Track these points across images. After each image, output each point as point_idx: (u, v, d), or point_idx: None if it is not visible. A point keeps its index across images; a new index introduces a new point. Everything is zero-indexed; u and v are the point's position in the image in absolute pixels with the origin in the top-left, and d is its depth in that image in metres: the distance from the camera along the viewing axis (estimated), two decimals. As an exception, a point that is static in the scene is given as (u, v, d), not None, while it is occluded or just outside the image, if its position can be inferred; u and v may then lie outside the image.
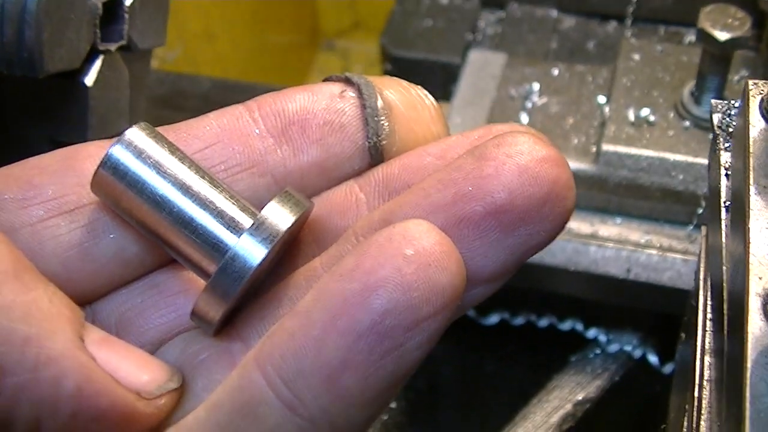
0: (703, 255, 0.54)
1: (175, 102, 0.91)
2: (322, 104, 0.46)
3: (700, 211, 0.79)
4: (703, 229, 0.56)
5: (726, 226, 0.47)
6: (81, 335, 0.40)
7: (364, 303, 0.36)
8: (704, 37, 0.75)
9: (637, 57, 0.86)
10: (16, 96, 0.59)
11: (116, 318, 0.45)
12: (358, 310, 0.36)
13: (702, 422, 0.45)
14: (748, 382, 0.38)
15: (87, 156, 0.45)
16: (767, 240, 0.41)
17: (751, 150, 0.44)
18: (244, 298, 0.44)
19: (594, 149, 0.81)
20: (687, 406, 0.51)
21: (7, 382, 0.38)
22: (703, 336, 0.48)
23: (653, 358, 0.85)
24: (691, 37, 0.94)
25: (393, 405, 0.86)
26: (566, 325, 0.88)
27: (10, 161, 0.45)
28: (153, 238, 0.44)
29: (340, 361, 0.36)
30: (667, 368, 0.85)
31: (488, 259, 0.41)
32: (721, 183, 0.48)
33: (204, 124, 0.46)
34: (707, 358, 0.47)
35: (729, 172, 0.48)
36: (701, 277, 0.53)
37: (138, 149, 0.43)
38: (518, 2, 1.00)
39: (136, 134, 0.43)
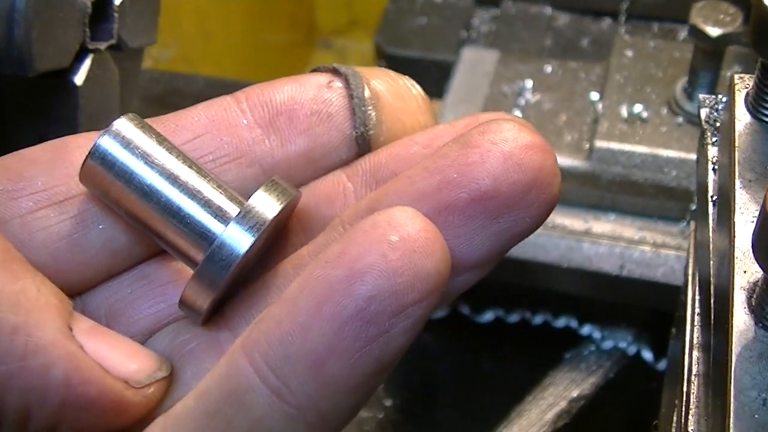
0: (691, 250, 0.54)
1: (170, 101, 0.91)
2: (310, 94, 0.46)
3: (693, 207, 0.79)
4: (692, 224, 0.56)
5: (713, 220, 0.47)
6: (69, 324, 0.40)
7: (349, 289, 0.36)
8: (696, 33, 0.75)
9: (630, 53, 0.87)
10: (5, 95, 0.59)
11: (106, 309, 0.45)
12: (343, 296, 0.36)
13: (690, 416, 0.45)
14: (732, 375, 0.38)
15: (76, 147, 0.45)
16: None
17: (736, 144, 0.44)
18: (232, 287, 0.44)
19: (587, 146, 0.81)
20: (677, 401, 0.51)
21: None
22: (692, 330, 0.48)
23: (647, 355, 0.85)
24: (684, 33, 0.94)
25: (388, 403, 0.86)
26: (560, 322, 0.88)
27: (-2, 159, 0.45)
28: (141, 228, 0.44)
29: (326, 348, 0.37)
30: (662, 365, 0.85)
31: (473, 246, 0.41)
32: (709, 178, 0.48)
33: (192, 115, 0.46)
34: (695, 353, 0.47)
35: (716, 167, 0.48)
36: (690, 272, 0.53)
37: (126, 140, 0.43)
38: (512, 0, 1.00)
39: (124, 125, 0.43)
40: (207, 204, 0.43)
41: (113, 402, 0.40)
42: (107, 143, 0.43)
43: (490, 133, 0.40)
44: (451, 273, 0.39)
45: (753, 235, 0.38)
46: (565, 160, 0.81)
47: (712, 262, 0.45)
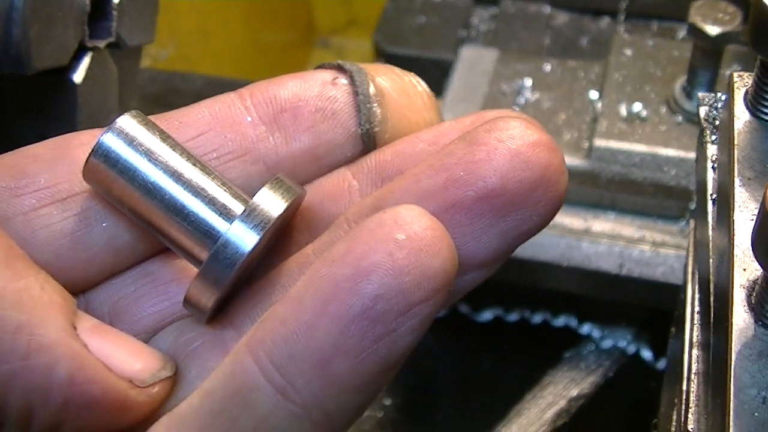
0: (691, 248, 0.54)
1: (168, 100, 0.91)
2: (314, 91, 0.46)
3: (692, 206, 0.79)
4: (692, 222, 0.56)
5: (712, 218, 0.47)
6: (73, 323, 0.40)
7: (355, 288, 0.36)
8: (695, 32, 0.75)
9: (629, 52, 0.87)
10: (4, 93, 0.59)
11: (109, 307, 0.45)
12: (349, 295, 0.36)
13: (690, 415, 0.45)
14: (732, 373, 0.38)
15: (79, 144, 0.45)
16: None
17: (735, 142, 0.44)
18: (237, 285, 0.44)
19: (586, 145, 0.81)
20: (676, 400, 0.51)
21: None
22: (691, 329, 0.48)
23: (647, 354, 0.85)
24: (683, 32, 0.94)
25: (387, 402, 0.86)
26: (560, 321, 0.88)
27: (-3, 158, 0.45)
28: (145, 225, 0.44)
29: (332, 346, 0.36)
30: (661, 364, 0.85)
31: (480, 244, 0.41)
32: (708, 176, 0.48)
33: (196, 112, 0.46)
34: (695, 351, 0.47)
35: (715, 165, 0.48)
36: (689, 270, 0.53)
37: (129, 137, 0.43)
38: (511, -1, 1.00)
39: (127, 122, 0.43)
40: (211, 202, 0.43)
41: (117, 401, 0.40)
42: (110, 140, 0.43)
43: (496, 131, 0.40)
44: (457, 272, 0.39)
45: (752, 233, 0.38)
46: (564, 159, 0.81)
47: (711, 260, 0.45)
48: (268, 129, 0.46)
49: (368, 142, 0.46)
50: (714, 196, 0.47)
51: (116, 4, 0.59)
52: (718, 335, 0.42)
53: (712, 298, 0.44)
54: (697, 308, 0.48)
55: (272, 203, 0.42)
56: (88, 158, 0.43)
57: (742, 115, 0.45)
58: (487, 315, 0.89)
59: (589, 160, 0.80)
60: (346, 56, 1.41)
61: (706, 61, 0.78)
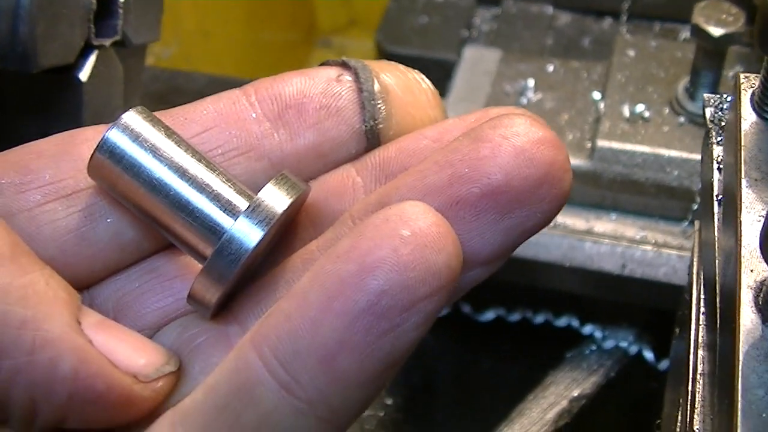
0: (696, 249, 0.54)
1: (170, 98, 0.91)
2: (319, 88, 0.46)
3: (695, 206, 0.79)
4: (696, 223, 0.56)
5: (718, 219, 0.47)
6: (78, 318, 0.40)
7: (360, 284, 0.36)
8: (698, 33, 0.75)
9: (631, 53, 0.87)
10: (10, 91, 0.59)
11: (114, 303, 0.45)
12: (354, 290, 0.36)
13: (695, 415, 0.45)
14: (739, 374, 0.38)
15: (84, 140, 0.45)
16: (758, 233, 0.41)
17: (742, 143, 0.44)
18: (241, 281, 0.44)
19: (589, 145, 0.81)
20: (681, 400, 0.51)
21: (3, 364, 0.38)
22: (696, 330, 0.48)
23: (649, 355, 0.85)
24: (686, 33, 0.94)
25: (389, 402, 0.86)
26: (562, 322, 0.88)
27: (3, 155, 0.45)
28: (150, 221, 0.44)
29: (337, 342, 0.36)
30: (663, 364, 0.85)
31: (485, 241, 0.41)
32: (714, 177, 0.48)
33: (201, 108, 0.46)
34: (700, 352, 0.47)
35: (721, 166, 0.48)
36: (694, 271, 0.53)
37: (134, 133, 0.43)
38: (513, -1, 1.00)
39: (132, 118, 0.43)
40: (216, 198, 0.43)
41: (121, 396, 0.40)
42: (116, 136, 0.43)
43: (501, 128, 0.40)
44: (462, 268, 0.39)
45: (760, 233, 0.38)
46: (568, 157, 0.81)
47: (717, 261, 0.45)
48: (272, 125, 0.46)
49: (372, 138, 0.46)
50: (720, 197, 0.47)
51: (122, 3, 0.59)
52: (724, 336, 0.42)
53: (718, 299, 0.44)
54: (702, 309, 0.48)
55: (277, 199, 0.42)
56: (93, 154, 0.43)
57: (748, 116, 0.45)
58: (489, 315, 0.89)
59: (592, 160, 0.80)
60: (346, 56, 1.41)
61: (709, 62, 0.78)
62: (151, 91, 0.90)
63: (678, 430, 0.51)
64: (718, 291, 0.44)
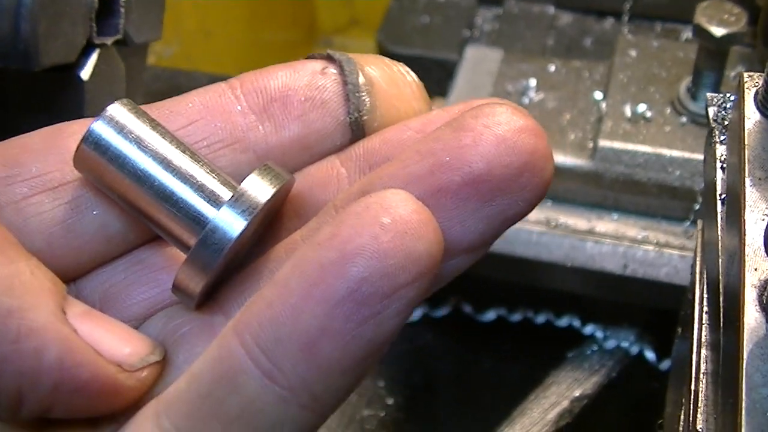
0: (699, 248, 0.54)
1: (171, 97, 0.91)
2: (304, 81, 0.46)
3: (697, 206, 0.79)
4: (699, 222, 0.56)
5: (722, 218, 0.47)
6: (63, 308, 0.40)
7: (340, 271, 0.36)
8: (700, 33, 0.75)
9: (633, 53, 0.87)
10: (12, 89, 0.59)
11: (100, 294, 0.45)
12: (334, 278, 0.36)
13: (699, 415, 0.45)
14: (743, 373, 0.38)
15: (71, 133, 0.45)
16: (762, 231, 0.41)
17: (746, 142, 0.44)
18: (226, 271, 0.44)
19: (591, 145, 0.81)
20: (683, 400, 0.51)
21: None
22: (700, 329, 0.48)
23: (650, 355, 0.86)
24: (687, 33, 0.94)
25: (390, 401, 0.86)
26: (563, 322, 0.88)
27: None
28: (135, 213, 0.44)
29: (318, 329, 0.36)
30: (664, 365, 0.85)
31: (466, 229, 0.41)
32: (717, 176, 0.48)
33: (187, 101, 0.46)
34: (704, 351, 0.47)
35: (724, 165, 0.48)
36: (697, 270, 0.53)
37: (119, 124, 0.43)
38: (515, -1, 1.00)
39: (117, 110, 0.43)
40: (200, 188, 0.43)
41: (106, 385, 0.40)
42: (101, 128, 0.43)
43: (483, 117, 0.40)
44: (443, 256, 0.39)
45: (765, 232, 0.38)
46: (568, 159, 0.81)
47: (720, 260, 0.45)
48: (258, 118, 0.46)
49: (357, 130, 0.46)
50: (723, 196, 0.47)
51: (124, 2, 0.59)
52: (728, 335, 0.42)
53: (721, 298, 0.44)
54: (705, 308, 0.48)
55: (260, 189, 0.42)
56: (78, 146, 0.43)
57: (752, 115, 0.45)
58: (490, 315, 0.89)
59: (594, 160, 0.80)
60: (348, 56, 1.41)
61: (711, 62, 0.78)
62: (152, 90, 0.90)
63: (681, 429, 0.51)
64: (721, 290, 0.44)
